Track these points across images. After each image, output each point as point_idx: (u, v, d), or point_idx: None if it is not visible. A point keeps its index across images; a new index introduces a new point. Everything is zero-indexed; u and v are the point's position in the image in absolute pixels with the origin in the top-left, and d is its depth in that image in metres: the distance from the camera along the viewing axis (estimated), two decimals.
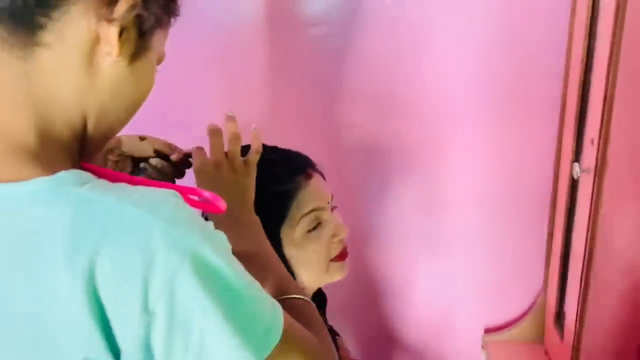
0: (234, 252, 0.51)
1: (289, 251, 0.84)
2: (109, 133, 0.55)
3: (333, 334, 1.12)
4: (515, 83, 1.19)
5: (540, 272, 1.29)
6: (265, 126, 0.85)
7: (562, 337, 1.17)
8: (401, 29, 1.19)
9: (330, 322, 1.16)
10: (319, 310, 1.03)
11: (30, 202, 0.44)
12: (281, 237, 0.84)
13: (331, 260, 0.87)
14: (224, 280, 0.46)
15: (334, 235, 0.85)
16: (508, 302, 1.36)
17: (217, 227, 0.51)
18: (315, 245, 0.84)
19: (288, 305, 0.60)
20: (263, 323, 0.50)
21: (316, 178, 0.88)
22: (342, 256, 0.87)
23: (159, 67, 0.57)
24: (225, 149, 0.76)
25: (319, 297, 1.10)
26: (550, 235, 1.24)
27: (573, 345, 1.08)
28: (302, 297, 0.67)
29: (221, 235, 0.50)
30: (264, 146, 0.81)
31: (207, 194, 0.56)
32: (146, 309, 0.43)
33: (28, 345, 0.44)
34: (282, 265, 0.73)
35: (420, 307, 1.40)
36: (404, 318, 1.41)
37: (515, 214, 1.28)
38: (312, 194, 0.85)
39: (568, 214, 1.14)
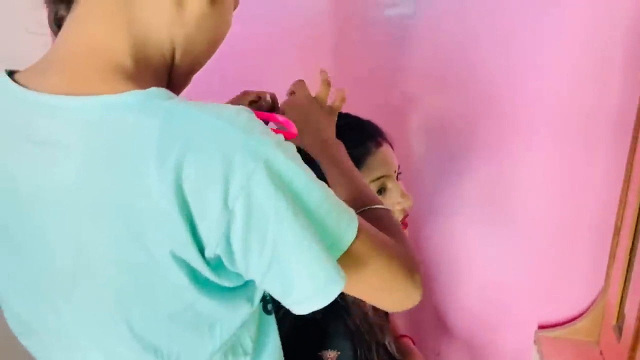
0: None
1: None
2: (194, 65, 0.61)
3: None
4: (593, 96, 1.15)
5: (603, 271, 1.25)
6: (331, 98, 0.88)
7: (619, 339, 1.13)
8: (475, 14, 1.18)
9: None
10: None
11: (126, 110, 0.49)
12: None
13: None
14: (295, 183, 0.50)
15: (397, 203, 0.87)
16: (566, 299, 1.32)
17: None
18: None
19: (369, 215, 0.65)
20: (336, 223, 0.53)
21: (385, 146, 0.91)
22: (403, 225, 0.89)
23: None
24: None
25: None
26: (617, 232, 1.20)
27: (631, 347, 1.05)
28: (382, 206, 0.71)
29: (291, 146, 0.53)
30: (339, 112, 0.85)
31: (281, 118, 0.59)
32: (226, 207, 0.47)
33: (120, 236, 0.49)
34: (364, 180, 0.76)
35: (474, 295, 1.38)
36: (456, 303, 1.40)
37: (581, 209, 1.24)
38: (381, 161, 0.88)
39: (639, 213, 1.10)
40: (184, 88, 0.63)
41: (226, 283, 0.53)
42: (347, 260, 0.55)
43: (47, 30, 0.58)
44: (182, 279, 0.50)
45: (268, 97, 0.85)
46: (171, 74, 0.59)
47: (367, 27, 1.25)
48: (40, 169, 0.51)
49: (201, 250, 0.50)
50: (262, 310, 0.66)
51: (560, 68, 1.16)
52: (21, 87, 0.54)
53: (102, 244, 0.50)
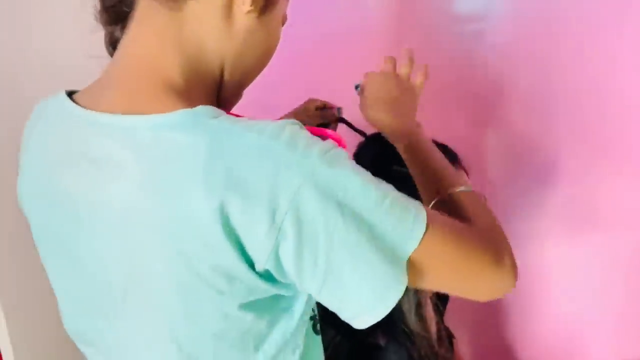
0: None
1: None
2: (243, 80, 0.61)
3: (450, 335, 1.09)
4: None
5: None
6: None
7: None
8: (562, 29, 1.12)
9: (447, 323, 1.13)
10: (438, 308, 1.02)
11: (175, 130, 0.50)
12: None
13: None
14: (346, 191, 0.49)
15: None
16: None
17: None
18: None
19: (450, 201, 0.66)
20: (399, 223, 0.51)
21: (460, 172, 0.87)
22: None
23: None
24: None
25: (442, 295, 1.08)
26: None
27: None
28: (464, 188, 0.68)
29: (341, 152, 0.52)
30: None
31: (330, 132, 0.59)
32: (274, 225, 0.47)
33: (168, 255, 0.50)
34: (444, 162, 0.73)
35: (549, 328, 1.30)
36: (526, 332, 1.33)
37: None
38: None
39: None
40: (235, 103, 0.64)
41: (282, 291, 0.54)
42: (420, 258, 0.52)
43: (104, 52, 0.60)
44: (225, 297, 0.51)
45: (334, 110, 0.84)
46: (221, 90, 0.60)
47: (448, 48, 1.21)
48: (96, 186, 0.53)
49: (251, 265, 0.50)
50: (312, 331, 0.65)
51: None
52: (79, 107, 0.55)
53: (152, 262, 0.51)
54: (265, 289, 0.52)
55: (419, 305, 0.81)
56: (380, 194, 0.51)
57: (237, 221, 0.47)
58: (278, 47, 0.63)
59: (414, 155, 0.74)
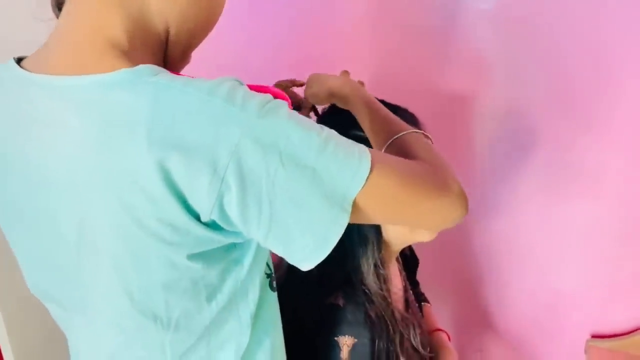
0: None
1: None
2: (189, 42, 0.63)
3: (421, 300, 1.12)
4: None
5: None
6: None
7: None
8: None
9: (423, 290, 1.16)
10: (407, 274, 1.05)
11: (117, 89, 0.52)
12: None
13: None
14: (287, 139, 0.51)
15: None
16: (623, 309, 1.25)
17: None
18: None
19: (398, 144, 0.69)
20: (345, 164, 0.54)
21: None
22: None
23: None
24: None
25: (411, 260, 1.11)
26: None
27: None
28: (410, 131, 0.72)
29: (280, 102, 0.54)
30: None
31: (272, 88, 0.61)
32: (217, 176, 0.50)
33: (114, 209, 0.52)
34: (388, 111, 0.77)
35: (526, 295, 1.33)
36: (505, 302, 1.36)
37: None
38: None
39: None
40: (183, 66, 0.66)
41: (230, 239, 0.56)
42: (366, 196, 0.55)
43: (52, 15, 0.61)
44: (172, 247, 0.53)
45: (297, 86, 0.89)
46: (167, 51, 0.61)
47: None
48: (44, 148, 0.55)
49: (196, 217, 0.52)
50: (268, 287, 0.68)
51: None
52: (26, 71, 0.57)
53: (99, 216, 0.53)
54: (213, 239, 0.55)
55: (376, 266, 0.83)
56: (322, 140, 0.53)
57: (178, 176, 0.50)
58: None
59: (362, 108, 0.78)
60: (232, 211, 0.52)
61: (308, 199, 0.52)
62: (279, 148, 0.51)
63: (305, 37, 1.27)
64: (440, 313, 1.21)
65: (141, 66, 0.53)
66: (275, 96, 0.55)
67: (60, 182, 0.54)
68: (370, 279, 0.83)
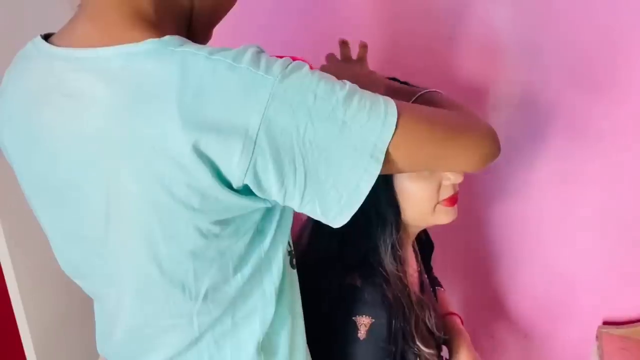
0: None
1: (401, 184, 0.85)
2: (212, 16, 0.65)
3: (435, 284, 1.13)
4: None
5: None
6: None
7: None
8: None
9: (436, 274, 1.17)
10: (423, 258, 1.06)
11: (144, 58, 0.53)
12: None
13: (439, 202, 0.86)
14: (314, 94, 0.53)
15: (447, 179, 0.84)
16: (636, 297, 1.25)
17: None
18: (426, 183, 0.84)
19: (425, 99, 0.72)
20: (373, 114, 0.55)
21: None
22: (451, 201, 0.86)
23: None
24: None
25: (426, 244, 1.12)
26: None
27: None
28: (426, 90, 0.75)
29: (301, 63, 0.55)
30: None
31: (294, 57, 0.62)
32: (250, 140, 0.51)
33: (143, 177, 0.54)
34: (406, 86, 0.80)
35: (538, 281, 1.34)
36: (517, 287, 1.36)
37: None
38: None
39: None
40: (206, 41, 0.67)
41: (259, 204, 0.58)
42: (398, 143, 0.56)
43: None
44: (200, 214, 0.55)
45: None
46: (191, 24, 0.63)
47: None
48: (71, 120, 0.56)
49: (228, 185, 0.54)
50: (288, 264, 0.70)
51: None
52: (52, 46, 0.58)
53: (128, 184, 0.54)
54: (242, 205, 0.56)
55: (393, 247, 0.84)
56: (347, 92, 0.55)
57: (211, 147, 0.51)
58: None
59: (387, 87, 0.79)
60: (268, 174, 0.53)
61: (338, 151, 0.54)
62: (307, 105, 0.52)
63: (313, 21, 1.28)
64: (453, 298, 1.22)
65: (168, 37, 0.54)
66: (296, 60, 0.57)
67: (88, 153, 0.56)
68: (387, 260, 0.84)
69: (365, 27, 1.25)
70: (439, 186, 0.85)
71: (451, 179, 0.83)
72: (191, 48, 0.53)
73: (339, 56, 0.91)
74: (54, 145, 0.58)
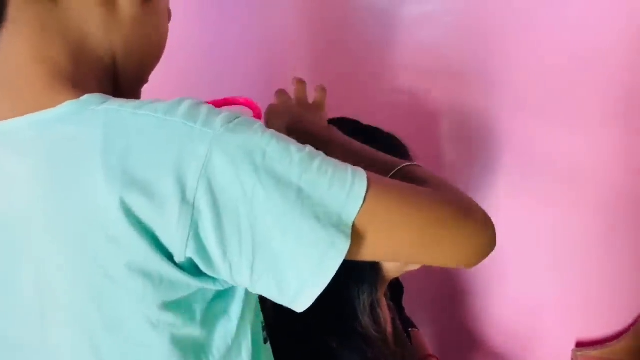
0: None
1: None
2: (139, 73, 0.59)
3: (409, 325, 1.08)
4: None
5: None
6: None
7: None
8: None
9: (408, 314, 1.12)
10: (394, 301, 1.00)
11: (62, 122, 0.47)
12: None
13: None
14: (263, 154, 0.45)
15: None
16: (607, 315, 1.24)
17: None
18: None
19: (399, 178, 0.57)
20: (337, 182, 0.47)
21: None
22: None
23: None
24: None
25: (396, 287, 1.07)
26: None
27: None
28: (410, 163, 0.62)
29: (250, 118, 0.49)
30: (369, 126, 0.83)
31: (241, 100, 0.56)
32: (186, 203, 0.44)
33: (73, 258, 0.46)
34: (374, 151, 0.66)
35: (507, 309, 1.31)
36: (487, 318, 1.33)
37: (629, 223, 1.15)
38: None
39: None
40: (140, 87, 0.61)
41: (209, 285, 0.49)
42: (366, 220, 0.47)
43: None
44: (146, 300, 0.46)
45: None
46: (119, 82, 0.57)
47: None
48: None
49: (169, 257, 0.46)
50: (262, 341, 0.61)
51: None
52: None
53: (60, 271, 0.47)
54: (189, 284, 0.48)
55: (373, 307, 0.78)
56: (305, 154, 0.47)
57: (143, 211, 0.44)
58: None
59: (336, 149, 0.66)
60: (210, 241, 0.45)
61: (296, 220, 0.45)
62: (255, 164, 0.45)
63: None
64: (426, 336, 1.17)
65: (87, 96, 0.48)
66: (246, 105, 0.50)
67: (16, 236, 0.48)
68: (366, 321, 0.77)
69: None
70: None
71: None
72: (114, 104, 0.47)
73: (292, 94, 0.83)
74: None
